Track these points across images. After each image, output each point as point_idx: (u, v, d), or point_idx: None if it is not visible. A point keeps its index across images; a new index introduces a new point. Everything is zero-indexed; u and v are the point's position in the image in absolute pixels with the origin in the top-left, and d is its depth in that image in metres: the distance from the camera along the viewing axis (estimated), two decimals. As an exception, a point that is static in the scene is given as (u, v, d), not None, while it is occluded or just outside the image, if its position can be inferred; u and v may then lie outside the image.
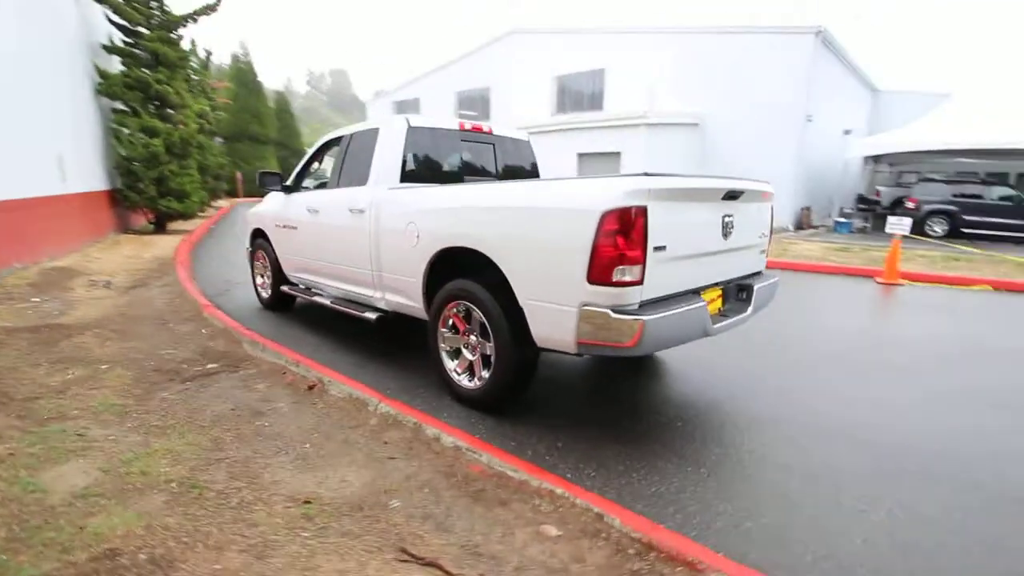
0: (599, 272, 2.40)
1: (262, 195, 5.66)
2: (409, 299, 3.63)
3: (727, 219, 2.97)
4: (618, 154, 16.48)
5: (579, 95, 19.96)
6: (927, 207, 14.49)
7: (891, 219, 7.27)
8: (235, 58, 26.33)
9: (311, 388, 3.37)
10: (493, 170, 4.51)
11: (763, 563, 1.85)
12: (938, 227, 14.18)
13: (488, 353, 3.06)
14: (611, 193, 2.37)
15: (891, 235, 7.20)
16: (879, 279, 7.28)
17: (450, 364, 3.33)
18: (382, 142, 3.90)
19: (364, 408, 3.03)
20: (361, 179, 4.08)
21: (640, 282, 2.43)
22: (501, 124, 4.67)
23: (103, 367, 3.65)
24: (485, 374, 3.10)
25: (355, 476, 2.32)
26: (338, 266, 4.28)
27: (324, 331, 4.84)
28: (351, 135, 4.36)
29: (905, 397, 3.50)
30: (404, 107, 26.52)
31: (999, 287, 6.74)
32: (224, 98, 16.97)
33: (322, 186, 5.26)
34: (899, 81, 24.76)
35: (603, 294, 2.43)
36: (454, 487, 2.24)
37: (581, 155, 17.09)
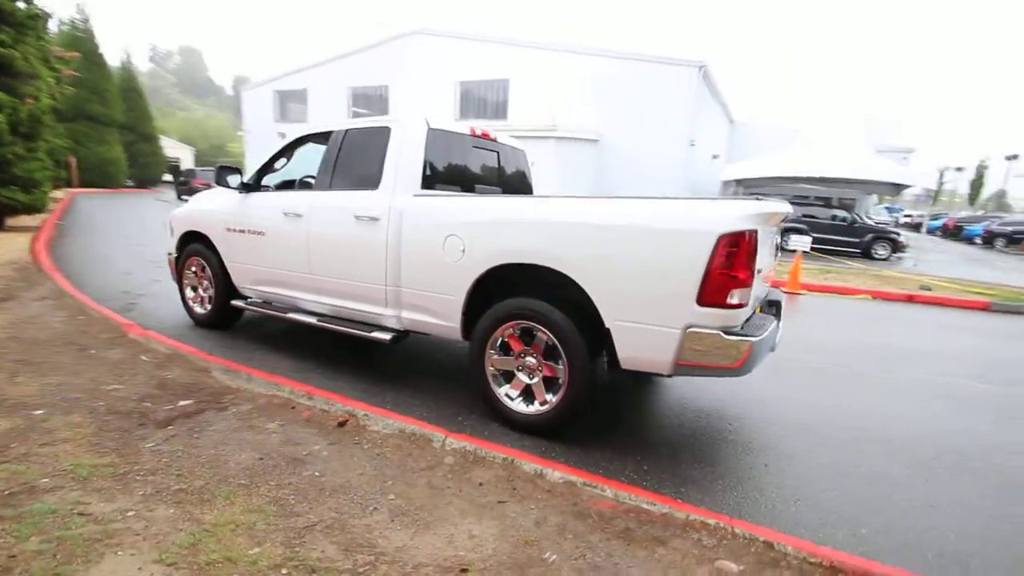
0: (712, 294, 2.40)
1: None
2: (438, 318, 3.30)
3: (776, 240, 3.17)
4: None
5: (483, 102, 20.06)
6: (784, 225, 16.93)
7: (793, 237, 8.40)
8: (71, 24, 22.05)
9: (342, 424, 2.89)
10: (497, 179, 4.32)
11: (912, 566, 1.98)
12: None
13: (556, 375, 2.90)
14: (728, 216, 2.38)
15: (794, 250, 8.32)
16: (783, 289, 8.33)
17: (501, 388, 3.09)
18: (397, 144, 3.51)
19: (428, 445, 2.68)
20: (368, 183, 3.64)
21: (746, 304, 2.47)
22: (501, 132, 4.48)
23: (36, 413, 2.78)
24: (550, 397, 2.93)
25: (480, 529, 2.03)
26: (333, 280, 3.75)
27: (292, 350, 4.23)
28: (344, 132, 3.87)
29: (877, 397, 4.01)
30: (288, 97, 24.41)
31: (876, 296, 8.11)
32: (70, 70, 14.09)
33: (286, 186, 4.61)
34: (751, 114, 28.65)
35: (714, 316, 2.42)
36: (596, 529, 2.07)
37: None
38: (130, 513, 1.97)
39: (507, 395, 3.08)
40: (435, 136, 3.59)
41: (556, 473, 2.40)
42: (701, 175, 20.00)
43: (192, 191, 21.47)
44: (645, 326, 2.58)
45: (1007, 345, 5.99)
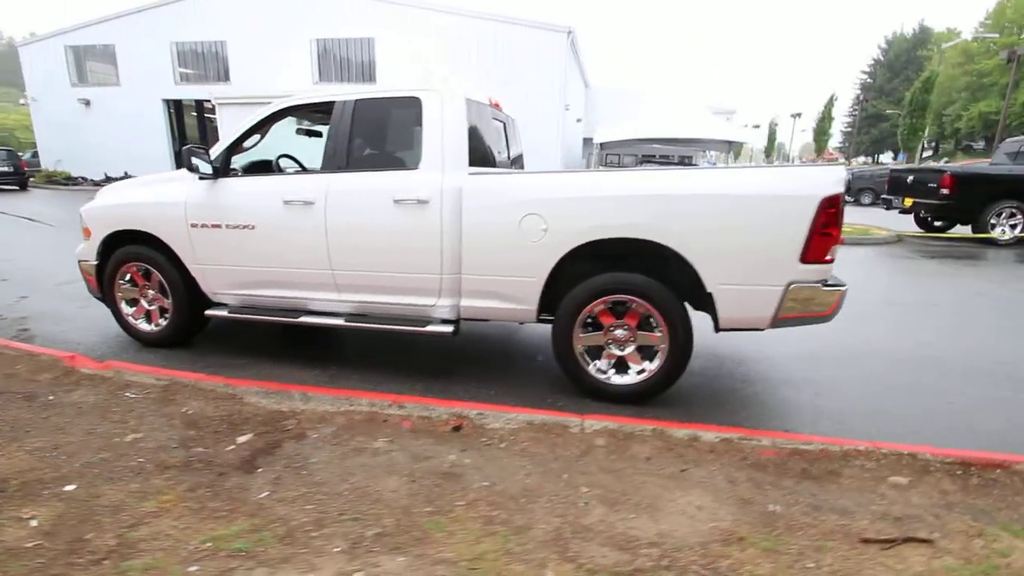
0: (816, 252, 2.68)
1: None
2: (509, 302, 3.17)
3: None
4: (409, 131, 16.05)
5: (346, 63, 18.44)
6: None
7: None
8: None
9: (457, 429, 2.68)
10: (506, 152, 4.16)
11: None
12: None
13: (651, 344, 3.00)
14: (827, 180, 2.65)
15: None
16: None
17: (591, 364, 3.11)
18: (435, 117, 3.18)
19: (566, 432, 2.62)
20: (401, 162, 3.29)
21: (834, 259, 2.81)
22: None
23: (69, 489, 2.11)
24: (649, 366, 3.03)
25: (699, 500, 2.10)
26: (363, 274, 3.33)
27: (295, 358, 3.81)
28: (353, 103, 3.37)
29: (843, 322, 4.82)
30: (89, 54, 19.76)
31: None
32: None
33: (258, 168, 3.91)
34: (601, 78, 30.48)
35: (814, 271, 2.72)
36: (782, 475, 2.27)
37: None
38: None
39: (599, 369, 3.11)
40: (471, 108, 3.33)
41: (709, 434, 2.54)
42: (569, 138, 21.03)
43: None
44: (749, 287, 2.79)
45: (881, 272, 7.52)
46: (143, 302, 3.93)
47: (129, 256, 3.82)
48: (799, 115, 35.79)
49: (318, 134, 4.75)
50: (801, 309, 2.78)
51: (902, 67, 55.81)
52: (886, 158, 53.01)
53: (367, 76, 18.13)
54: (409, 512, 2.00)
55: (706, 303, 2.94)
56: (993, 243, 8.74)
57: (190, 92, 18.83)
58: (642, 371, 3.05)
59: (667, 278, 2.93)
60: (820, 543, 1.85)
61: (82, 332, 4.25)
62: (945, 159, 29.86)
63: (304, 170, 4.04)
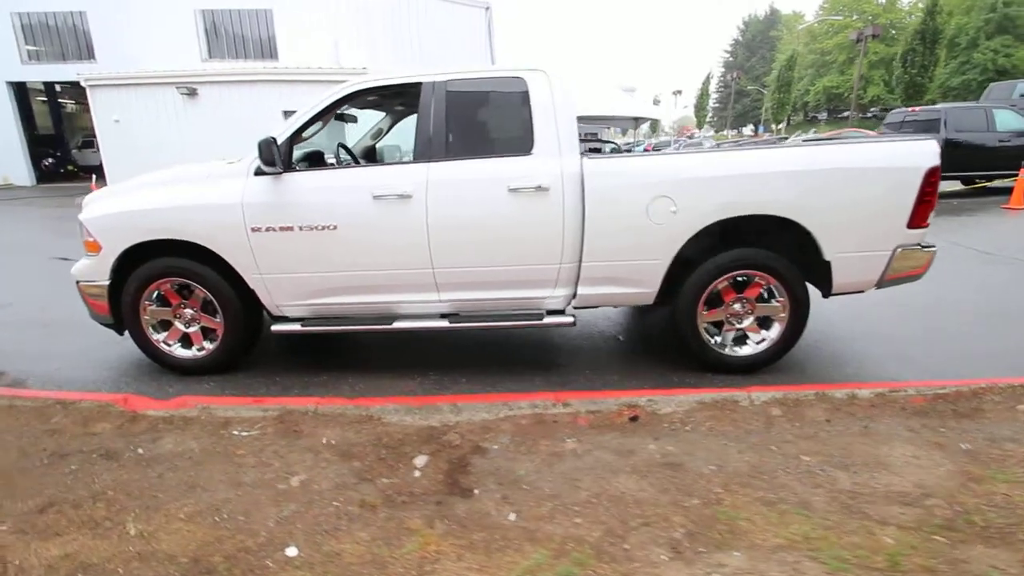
0: (920, 217, 2.99)
1: None
2: (630, 287, 3.17)
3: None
4: (328, 113, 14.85)
5: (240, 39, 16.52)
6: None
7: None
8: None
9: (634, 419, 2.64)
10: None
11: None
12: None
13: (771, 315, 3.17)
14: (928, 153, 2.94)
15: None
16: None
17: (713, 339, 3.21)
18: (545, 100, 3.05)
19: (737, 407, 2.69)
20: (509, 147, 3.09)
21: (930, 223, 3.13)
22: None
23: (291, 553, 1.79)
24: (768, 334, 3.20)
25: (909, 451, 2.28)
26: (473, 270, 3.12)
27: (374, 366, 3.62)
28: (444, 85, 3.09)
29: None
30: None
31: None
32: None
33: (311, 161, 3.45)
34: (508, 57, 30.34)
35: (916, 235, 3.03)
36: (944, 417, 2.53)
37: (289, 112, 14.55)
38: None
39: (720, 343, 3.22)
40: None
41: (863, 391, 2.76)
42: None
43: None
44: (861, 253, 3.04)
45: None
46: (178, 324, 3.34)
47: (161, 271, 3.21)
48: (680, 92, 38.58)
49: (353, 119, 4.30)
50: (903, 270, 3.09)
51: (758, 46, 62.22)
52: (748, 131, 59.09)
53: (268, 53, 16.40)
54: (684, 507, 1.97)
55: (815, 271, 3.15)
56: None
57: (44, 73, 15.69)
58: (761, 341, 3.21)
59: (779, 250, 3.09)
60: (1031, 470, 2.13)
61: (86, 367, 3.53)
62: (814, 130, 34.20)
63: (349, 161, 3.63)
